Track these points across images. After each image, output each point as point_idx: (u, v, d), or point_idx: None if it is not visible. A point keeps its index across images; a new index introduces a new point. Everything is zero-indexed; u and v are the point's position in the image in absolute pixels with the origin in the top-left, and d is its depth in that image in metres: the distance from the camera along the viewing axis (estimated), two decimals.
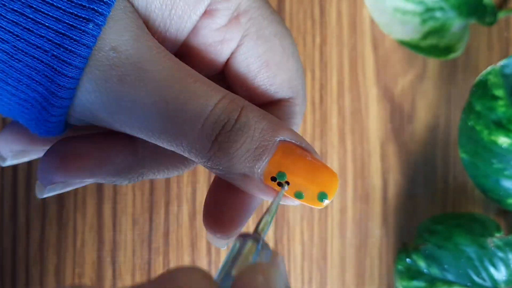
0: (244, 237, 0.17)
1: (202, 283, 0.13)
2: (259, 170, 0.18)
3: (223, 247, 0.21)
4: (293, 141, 0.19)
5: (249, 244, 0.16)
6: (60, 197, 0.31)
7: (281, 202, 0.19)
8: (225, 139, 0.18)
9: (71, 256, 0.31)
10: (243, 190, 0.19)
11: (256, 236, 0.17)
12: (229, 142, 0.18)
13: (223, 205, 0.20)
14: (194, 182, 0.32)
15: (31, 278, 0.30)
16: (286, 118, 0.21)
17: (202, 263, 0.32)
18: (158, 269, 0.32)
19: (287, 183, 0.19)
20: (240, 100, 0.18)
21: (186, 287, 0.13)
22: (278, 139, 0.18)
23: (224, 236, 0.20)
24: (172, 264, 0.32)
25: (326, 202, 0.19)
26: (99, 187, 0.31)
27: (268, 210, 0.18)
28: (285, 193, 0.19)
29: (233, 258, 0.16)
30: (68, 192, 0.31)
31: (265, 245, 0.17)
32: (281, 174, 0.18)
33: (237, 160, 0.18)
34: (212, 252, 0.33)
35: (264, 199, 0.20)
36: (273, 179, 0.18)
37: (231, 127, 0.18)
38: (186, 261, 0.32)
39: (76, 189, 0.31)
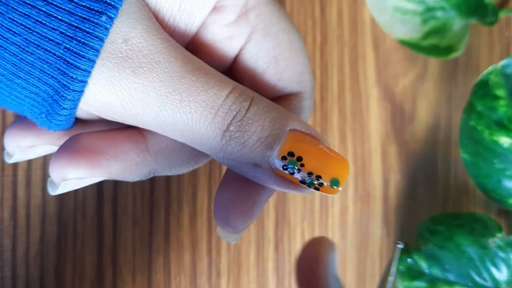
0: None
1: None
2: (270, 159, 0.18)
3: (234, 241, 0.21)
4: (303, 130, 0.19)
5: None
6: (60, 197, 0.31)
7: (294, 192, 0.19)
8: (236, 128, 0.18)
9: (71, 256, 0.31)
10: (255, 181, 0.19)
11: None
12: (240, 132, 0.18)
13: (233, 199, 0.20)
14: (194, 182, 0.32)
15: (31, 278, 0.30)
16: (295, 112, 0.22)
17: (203, 263, 0.32)
18: (159, 270, 0.32)
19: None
20: (250, 91, 0.19)
21: None
22: (288, 128, 0.18)
23: (235, 230, 0.20)
24: (173, 264, 0.32)
25: (339, 188, 0.19)
26: (99, 187, 0.31)
27: (388, 271, 0.17)
28: (297, 182, 0.19)
29: None
30: (68, 192, 0.31)
31: None
32: (293, 162, 0.18)
33: (248, 149, 0.18)
34: (213, 252, 0.33)
35: (276, 189, 0.20)
36: (285, 167, 0.18)
37: (242, 117, 0.18)
38: (186, 261, 0.32)
39: (76, 189, 0.31)
